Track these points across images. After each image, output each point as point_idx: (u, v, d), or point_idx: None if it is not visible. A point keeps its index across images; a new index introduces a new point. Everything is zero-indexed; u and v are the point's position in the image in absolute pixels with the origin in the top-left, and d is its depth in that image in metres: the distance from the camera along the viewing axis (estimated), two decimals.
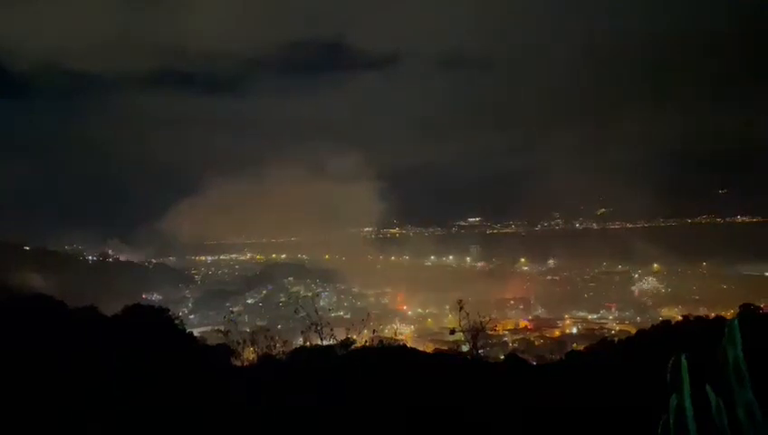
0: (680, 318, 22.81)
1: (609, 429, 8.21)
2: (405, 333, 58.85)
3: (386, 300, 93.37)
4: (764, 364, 2.23)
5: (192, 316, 67.12)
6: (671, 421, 2.20)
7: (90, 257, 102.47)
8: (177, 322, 15.14)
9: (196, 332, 18.71)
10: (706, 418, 2.25)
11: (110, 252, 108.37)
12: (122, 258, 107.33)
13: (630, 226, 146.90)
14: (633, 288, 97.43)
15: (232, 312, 21.58)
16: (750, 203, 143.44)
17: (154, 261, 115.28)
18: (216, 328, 15.46)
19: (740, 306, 19.13)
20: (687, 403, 2.22)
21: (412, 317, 79.98)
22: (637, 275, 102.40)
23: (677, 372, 2.26)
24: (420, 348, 22.45)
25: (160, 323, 13.14)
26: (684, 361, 2.27)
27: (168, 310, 15.48)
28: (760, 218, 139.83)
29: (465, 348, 16.50)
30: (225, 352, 12.10)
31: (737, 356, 2.22)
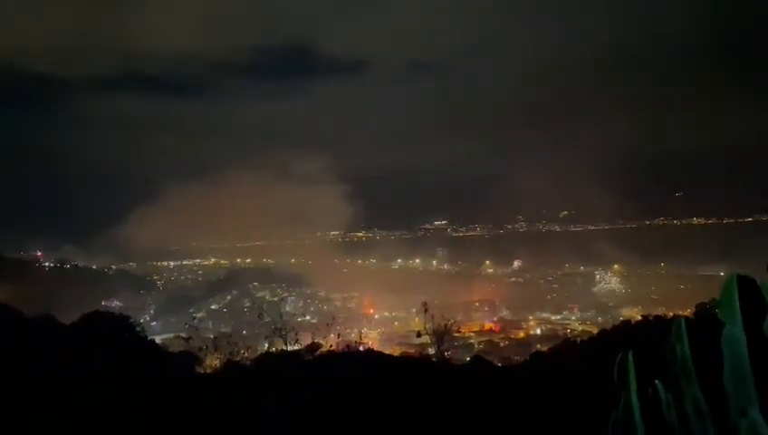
0: (640, 318, 23.45)
1: (570, 426, 8.36)
2: (372, 336, 58.80)
3: (353, 304, 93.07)
4: (713, 361, 2.32)
5: (154, 323, 65.71)
6: (620, 417, 2.28)
7: (47, 264, 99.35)
8: (138, 329, 14.84)
9: (158, 339, 18.40)
10: (656, 413, 2.33)
11: (68, 258, 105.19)
12: (81, 265, 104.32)
13: (592, 228, 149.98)
14: (594, 289, 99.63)
15: (194, 318, 21.28)
16: (705, 205, 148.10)
17: (114, 267, 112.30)
18: (178, 335, 15.21)
19: (696, 306, 19.73)
20: (634, 399, 2.30)
21: (379, 321, 79.90)
22: (598, 277, 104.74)
23: (624, 368, 2.34)
24: (387, 351, 22.49)
25: (121, 330, 12.83)
26: (630, 358, 2.35)
27: (129, 317, 15.17)
28: (715, 220, 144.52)
29: (431, 351, 16.63)
30: (187, 359, 11.90)
31: (684, 353, 2.31)
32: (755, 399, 2.05)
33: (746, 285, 2.18)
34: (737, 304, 2.16)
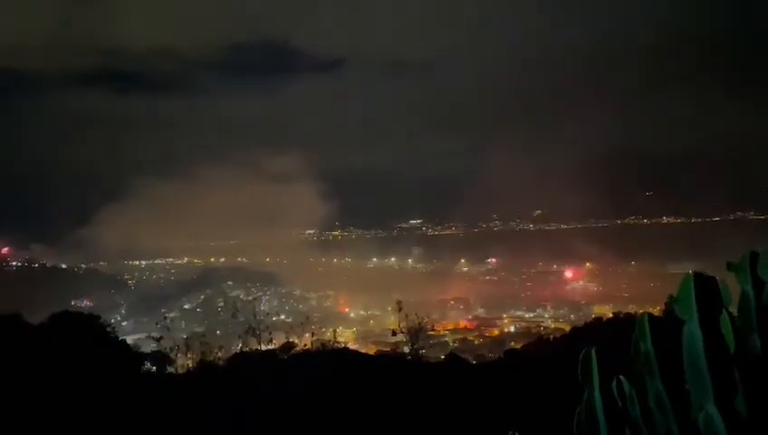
0: (611, 315, 23.94)
1: (542, 420, 8.49)
2: (347, 335, 58.70)
3: (328, 303, 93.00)
4: (676, 357, 2.40)
5: (125, 323, 64.66)
6: (584, 412, 2.35)
7: (14, 263, 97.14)
8: (108, 329, 14.62)
9: (129, 339, 18.12)
10: (619, 408, 2.41)
11: (36, 257, 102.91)
12: (49, 264, 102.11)
13: (564, 227, 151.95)
14: (567, 287, 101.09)
15: (166, 318, 20.98)
16: (673, 205, 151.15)
17: (84, 266, 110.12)
18: (150, 335, 15.02)
19: (665, 303, 20.13)
20: (597, 395, 2.37)
21: (354, 319, 79.95)
22: (570, 275, 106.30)
23: (588, 365, 2.41)
24: (362, 350, 22.52)
25: (91, 330, 12.62)
26: (593, 354, 2.42)
27: (100, 317, 14.94)
28: (683, 219, 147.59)
29: (406, 349, 16.71)
30: (159, 359, 11.77)
31: (647, 349, 2.38)
32: (711, 394, 2.13)
33: (703, 283, 2.27)
34: (694, 301, 2.24)
